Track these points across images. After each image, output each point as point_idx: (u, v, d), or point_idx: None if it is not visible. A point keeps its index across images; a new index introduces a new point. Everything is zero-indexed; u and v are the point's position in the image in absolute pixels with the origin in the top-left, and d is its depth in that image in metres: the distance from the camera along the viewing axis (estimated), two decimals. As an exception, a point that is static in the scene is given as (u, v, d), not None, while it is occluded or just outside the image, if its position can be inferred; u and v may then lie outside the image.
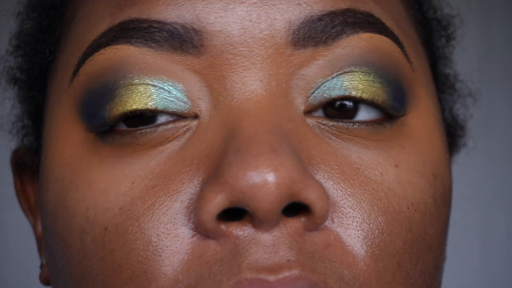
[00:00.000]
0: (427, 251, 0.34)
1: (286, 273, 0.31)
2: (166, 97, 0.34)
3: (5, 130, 0.50)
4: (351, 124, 0.34)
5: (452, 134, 0.48)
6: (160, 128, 0.34)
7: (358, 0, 0.35)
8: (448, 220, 0.37)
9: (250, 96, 0.33)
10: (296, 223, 0.32)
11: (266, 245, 0.31)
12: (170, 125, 0.34)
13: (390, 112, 0.35)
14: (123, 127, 0.35)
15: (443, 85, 0.47)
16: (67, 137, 0.36)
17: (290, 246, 0.31)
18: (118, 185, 0.33)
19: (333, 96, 0.34)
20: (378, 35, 0.35)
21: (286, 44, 0.34)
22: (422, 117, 0.37)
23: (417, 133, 0.36)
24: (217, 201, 0.31)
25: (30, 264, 1.40)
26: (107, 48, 0.35)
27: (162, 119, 0.34)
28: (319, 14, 0.34)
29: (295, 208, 0.32)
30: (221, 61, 0.34)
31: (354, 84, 0.34)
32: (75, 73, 0.36)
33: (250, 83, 0.33)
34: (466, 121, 0.50)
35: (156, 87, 0.34)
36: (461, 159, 1.60)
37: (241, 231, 0.31)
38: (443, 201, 0.36)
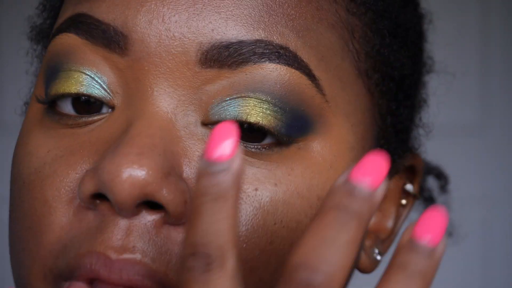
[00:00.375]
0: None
1: (128, 256, 0.36)
2: (93, 85, 0.40)
3: (32, 84, 0.54)
4: (248, 144, 0.38)
5: (413, 167, 0.50)
6: (91, 118, 0.40)
7: (275, 33, 0.39)
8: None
9: (153, 101, 0.38)
10: (154, 216, 0.37)
11: (122, 228, 0.36)
12: (98, 116, 0.40)
13: (280, 139, 0.38)
14: (69, 109, 0.41)
15: (404, 112, 0.48)
16: (33, 102, 0.43)
17: (140, 235, 0.36)
18: (40, 150, 0.40)
19: (226, 117, 0.38)
20: (286, 67, 0.38)
21: (194, 62, 0.38)
22: (329, 143, 0.40)
23: (316, 157, 0.39)
24: (88, 185, 0.36)
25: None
26: (63, 34, 0.41)
27: (104, 110, 0.40)
28: (229, 41, 0.38)
29: (159, 205, 0.37)
30: (139, 65, 0.39)
31: (245, 109, 0.38)
32: (47, 47, 0.43)
33: (156, 89, 0.38)
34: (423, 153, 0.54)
35: (87, 76, 0.40)
36: (461, 160, 1.60)
37: (108, 211, 0.37)
38: None
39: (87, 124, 0.40)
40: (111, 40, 0.39)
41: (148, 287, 0.36)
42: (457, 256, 1.50)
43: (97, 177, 0.36)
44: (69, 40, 0.41)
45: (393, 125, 0.46)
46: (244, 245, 0.37)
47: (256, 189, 0.38)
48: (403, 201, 0.49)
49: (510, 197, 1.55)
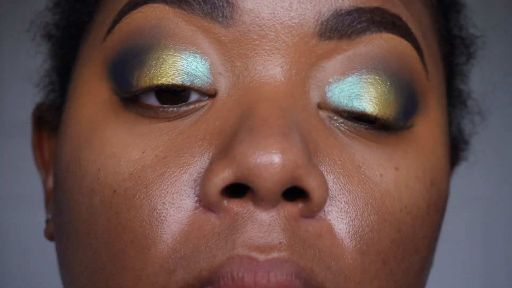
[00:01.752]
0: (413, 252, 0.36)
1: (276, 254, 0.32)
2: (192, 72, 0.35)
3: (33, 84, 0.51)
4: (360, 124, 0.36)
5: (456, 147, 0.50)
6: (184, 108, 0.35)
7: (389, 2, 0.37)
8: (439, 226, 0.39)
9: (269, 81, 0.34)
10: (293, 208, 0.33)
11: (262, 224, 0.32)
12: (193, 105, 0.35)
13: (395, 125, 0.36)
14: (153, 101, 0.35)
15: (455, 99, 0.48)
16: (91, 95, 0.37)
17: (284, 229, 0.32)
18: (129, 151, 0.35)
19: (343, 107, 0.35)
20: (400, 38, 0.36)
21: (312, 34, 0.35)
22: (429, 126, 0.38)
23: (422, 140, 0.37)
24: (224, 175, 0.32)
25: (30, 264, 1.40)
26: (144, 6, 0.35)
27: (194, 97, 0.35)
28: (348, 8, 0.35)
29: (295, 194, 0.33)
30: (247, 39, 0.35)
31: (362, 94, 0.35)
32: (109, 30, 0.37)
33: (271, 67, 0.34)
34: (471, 137, 0.53)
35: (184, 61, 0.35)
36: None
37: (241, 207, 0.33)
38: (436, 207, 0.38)
39: (179, 116, 0.35)
40: (213, 6, 0.34)
41: (296, 287, 0.32)
42: (457, 256, 1.50)
43: (237, 164, 0.31)
44: (155, 12, 0.35)
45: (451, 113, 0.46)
46: (377, 235, 0.34)
47: (381, 175, 0.35)
48: None
49: (510, 197, 1.55)
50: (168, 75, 0.35)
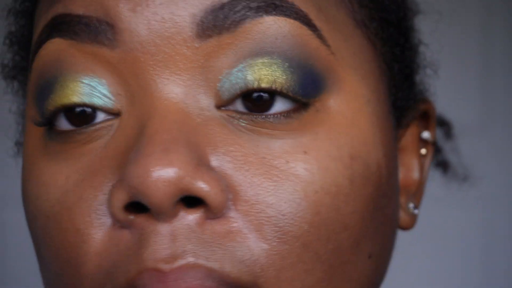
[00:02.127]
0: (341, 229, 0.36)
1: (181, 262, 0.33)
2: (92, 92, 0.37)
3: (6, 128, 0.53)
4: (263, 116, 0.36)
5: (426, 112, 0.48)
6: (92, 128, 0.37)
7: None
8: (373, 198, 0.38)
9: (160, 95, 0.35)
10: (195, 214, 0.34)
11: (165, 235, 0.34)
12: (101, 125, 0.37)
13: (297, 100, 0.36)
14: (65, 125, 0.38)
15: (405, 62, 0.46)
16: (30, 132, 0.40)
17: (187, 237, 0.34)
18: (57, 178, 0.37)
19: (237, 91, 0.36)
20: (284, 18, 0.36)
21: (192, 38, 0.36)
22: (345, 99, 0.38)
23: (336, 116, 0.37)
24: (121, 196, 0.34)
25: (30, 264, 1.40)
26: (46, 43, 0.38)
27: (100, 116, 0.37)
28: (221, 1, 0.36)
29: (196, 200, 0.35)
30: (132, 57, 0.36)
31: (254, 76, 0.36)
32: (30, 69, 0.40)
33: (160, 81, 0.36)
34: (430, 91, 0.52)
35: (84, 84, 0.37)
36: (461, 159, 1.58)
37: (146, 221, 0.34)
38: (363, 180, 0.38)
39: (96, 137, 0.37)
40: (97, 31, 0.36)
41: (210, 287, 0.34)
42: (457, 256, 1.51)
43: (127, 184, 0.34)
44: (54, 46, 0.38)
45: (401, 71, 0.44)
46: (291, 221, 0.35)
47: (288, 162, 0.35)
48: (423, 151, 0.48)
49: (510, 197, 1.55)
50: (69, 95, 0.37)
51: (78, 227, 0.36)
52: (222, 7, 0.36)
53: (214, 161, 0.35)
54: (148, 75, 0.36)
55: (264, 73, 0.36)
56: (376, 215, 0.39)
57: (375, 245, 0.39)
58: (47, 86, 0.38)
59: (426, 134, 0.47)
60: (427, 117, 0.48)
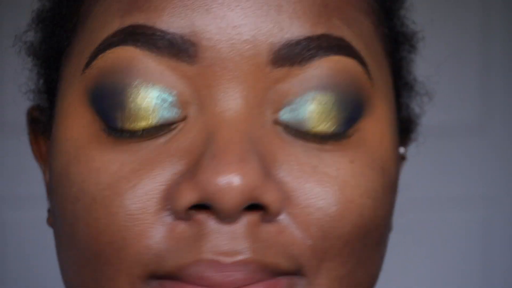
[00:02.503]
0: (374, 229, 0.41)
1: (240, 257, 0.37)
2: (163, 106, 0.39)
3: (22, 92, 0.54)
4: (313, 133, 0.41)
5: (407, 129, 0.55)
6: (155, 128, 0.40)
7: (332, 26, 0.41)
8: (392, 203, 0.45)
9: (229, 106, 0.39)
10: (254, 217, 0.38)
11: (226, 233, 0.37)
12: (165, 129, 0.40)
13: (344, 135, 0.41)
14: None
15: (403, 87, 0.54)
16: (75, 117, 0.42)
17: (246, 236, 0.38)
18: (110, 165, 0.39)
19: (295, 125, 0.40)
20: (346, 58, 0.41)
21: (266, 63, 0.40)
22: (376, 123, 0.43)
23: (370, 136, 0.42)
24: (189, 197, 0.37)
25: (30, 264, 1.40)
26: (118, 47, 0.40)
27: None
28: (297, 38, 0.40)
29: (258, 205, 0.38)
30: (210, 72, 0.39)
31: (311, 115, 0.40)
32: (88, 64, 0.41)
33: (231, 93, 0.39)
34: (419, 118, 0.58)
35: (155, 98, 0.40)
36: (461, 160, 1.60)
37: (208, 220, 0.38)
38: (390, 189, 0.43)
39: (154, 135, 0.40)
40: (179, 49, 0.39)
41: (262, 279, 0.38)
42: (457, 256, 1.51)
43: (202, 189, 0.36)
44: (126, 53, 0.40)
45: (404, 102, 0.52)
46: (337, 223, 0.39)
47: (338, 169, 0.40)
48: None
49: (510, 197, 1.55)
50: (146, 118, 0.39)
51: (131, 212, 0.38)
52: (298, 43, 0.40)
53: (275, 171, 0.39)
54: (221, 86, 0.39)
55: (322, 114, 0.40)
56: (390, 217, 0.45)
57: (385, 244, 0.45)
58: (114, 91, 0.40)
59: (401, 150, 0.52)
60: (407, 134, 0.54)
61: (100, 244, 0.39)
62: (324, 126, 0.40)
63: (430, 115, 0.55)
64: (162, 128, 0.39)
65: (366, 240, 0.41)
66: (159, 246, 0.38)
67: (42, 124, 0.52)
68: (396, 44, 0.49)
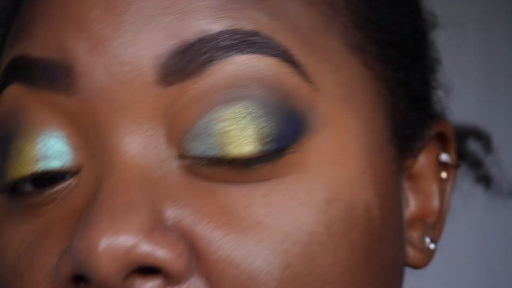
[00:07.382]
0: (319, 284, 0.32)
1: None
2: (49, 154, 0.33)
3: None
4: (222, 165, 0.32)
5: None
6: (53, 189, 0.34)
7: (243, 18, 0.32)
8: (363, 244, 0.33)
9: (118, 149, 0.32)
10: (154, 282, 0.31)
11: None
12: (61, 185, 0.34)
13: (272, 157, 0.32)
14: (28, 187, 0.34)
15: (411, 81, 0.42)
16: None
17: None
18: (13, 242, 0.34)
19: (204, 154, 0.32)
20: (258, 56, 0.32)
21: (153, 83, 0.32)
22: (328, 136, 0.33)
23: (313, 157, 0.33)
24: (64, 269, 0.31)
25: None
26: (6, 88, 0.34)
27: (69, 175, 0.34)
28: (187, 43, 0.31)
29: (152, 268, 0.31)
30: (90, 106, 0.32)
31: (221, 140, 0.31)
32: None
33: (116, 132, 0.32)
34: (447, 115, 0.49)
35: (40, 145, 0.33)
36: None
37: None
38: (346, 226, 0.33)
39: (54, 198, 0.34)
40: (53, 77, 0.32)
41: None
42: (457, 256, 1.50)
43: (71, 257, 0.30)
44: (13, 93, 0.34)
45: (407, 95, 0.40)
46: (257, 282, 0.31)
47: (246, 206, 0.31)
48: (443, 174, 0.43)
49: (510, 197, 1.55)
50: (25, 165, 0.33)
51: None
52: (188, 49, 0.31)
53: (173, 217, 0.31)
54: (106, 125, 0.32)
55: (235, 135, 0.31)
56: (371, 263, 0.34)
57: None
58: (3, 144, 0.34)
59: (444, 157, 0.43)
60: (445, 138, 0.44)
61: None
62: (242, 148, 0.31)
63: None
64: (54, 184, 0.33)
65: None
66: None
67: None
68: (385, 35, 0.38)
